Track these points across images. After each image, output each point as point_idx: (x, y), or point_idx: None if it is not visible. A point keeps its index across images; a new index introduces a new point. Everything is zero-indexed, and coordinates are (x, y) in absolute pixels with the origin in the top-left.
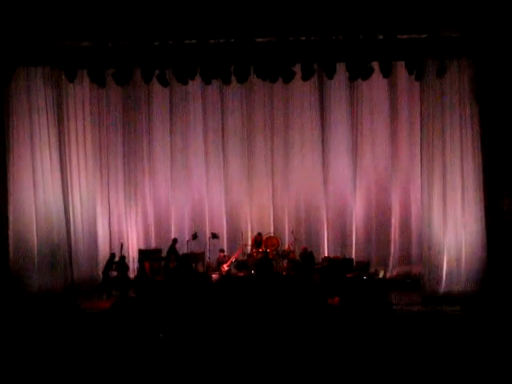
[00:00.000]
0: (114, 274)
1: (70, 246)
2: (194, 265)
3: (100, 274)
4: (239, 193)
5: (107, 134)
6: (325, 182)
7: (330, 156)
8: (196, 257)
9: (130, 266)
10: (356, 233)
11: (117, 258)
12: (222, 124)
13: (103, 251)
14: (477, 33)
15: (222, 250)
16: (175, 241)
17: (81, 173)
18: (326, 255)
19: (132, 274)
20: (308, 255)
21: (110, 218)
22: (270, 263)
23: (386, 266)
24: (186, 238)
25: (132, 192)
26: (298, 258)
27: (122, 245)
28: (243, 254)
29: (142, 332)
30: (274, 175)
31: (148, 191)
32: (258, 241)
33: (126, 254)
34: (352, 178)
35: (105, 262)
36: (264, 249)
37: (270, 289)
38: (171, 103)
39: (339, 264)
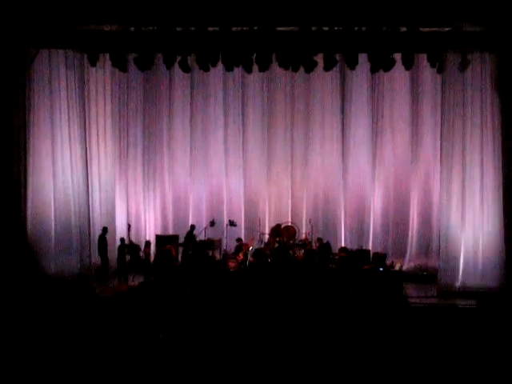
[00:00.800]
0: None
1: (88, 229)
2: (210, 252)
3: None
4: (258, 181)
5: (127, 118)
6: (344, 172)
7: (349, 147)
8: (213, 244)
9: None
10: (374, 224)
11: (127, 241)
12: (243, 112)
13: (121, 235)
14: (500, 27)
15: (239, 239)
16: (193, 227)
17: (100, 156)
18: (343, 246)
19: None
20: (324, 245)
21: (128, 203)
22: (287, 252)
23: (402, 258)
24: (204, 225)
25: (151, 177)
26: (315, 247)
27: (129, 226)
28: (260, 242)
29: (157, 320)
30: (293, 164)
31: (167, 177)
32: (276, 231)
33: (142, 239)
34: (371, 169)
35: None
36: (282, 238)
37: (287, 275)
38: (192, 90)
39: (356, 255)
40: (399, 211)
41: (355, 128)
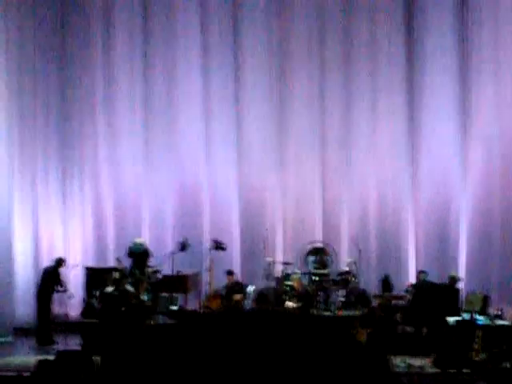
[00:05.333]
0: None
1: None
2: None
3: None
4: (263, 171)
5: (34, 78)
6: (414, 157)
7: (422, 115)
8: (185, 281)
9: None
10: (467, 242)
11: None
12: (235, 56)
13: (24, 277)
14: None
15: (230, 272)
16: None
17: None
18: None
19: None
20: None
21: (35, 218)
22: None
23: None
24: (169, 249)
25: (75, 177)
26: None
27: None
28: (268, 276)
29: None
30: (326, 144)
31: (104, 175)
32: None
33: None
34: (460, 150)
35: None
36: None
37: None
38: (145, 19)
39: (435, 296)
40: (509, 220)
41: (433, 87)
